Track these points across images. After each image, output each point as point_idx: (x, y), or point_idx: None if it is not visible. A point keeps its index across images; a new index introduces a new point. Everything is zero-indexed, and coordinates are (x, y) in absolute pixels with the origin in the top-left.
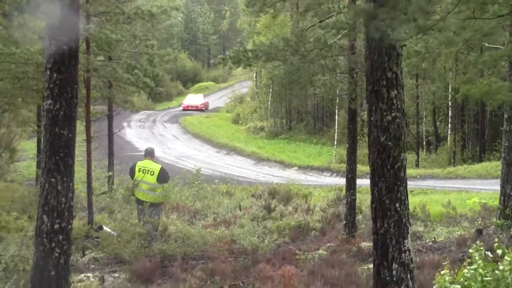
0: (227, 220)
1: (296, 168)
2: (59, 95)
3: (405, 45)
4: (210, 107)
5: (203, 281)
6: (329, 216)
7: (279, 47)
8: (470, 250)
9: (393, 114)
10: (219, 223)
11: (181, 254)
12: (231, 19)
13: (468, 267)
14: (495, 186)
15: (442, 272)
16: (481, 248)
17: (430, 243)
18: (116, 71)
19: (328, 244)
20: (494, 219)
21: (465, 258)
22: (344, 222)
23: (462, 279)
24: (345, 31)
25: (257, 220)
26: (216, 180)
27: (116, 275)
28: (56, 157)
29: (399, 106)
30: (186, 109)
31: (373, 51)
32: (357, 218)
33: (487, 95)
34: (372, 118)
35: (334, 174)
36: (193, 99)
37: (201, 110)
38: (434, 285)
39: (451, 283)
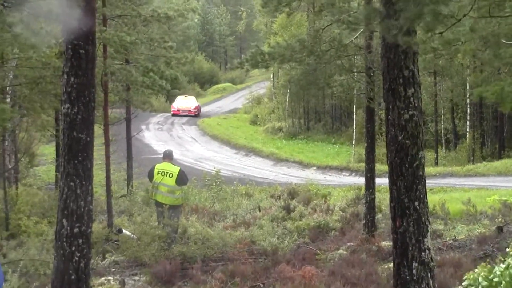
0: (246, 221)
1: (315, 168)
2: (77, 99)
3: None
4: (227, 108)
5: (223, 282)
6: (348, 216)
7: (295, 48)
8: (508, 249)
9: (410, 112)
10: (239, 225)
11: (201, 256)
12: (247, 20)
13: (500, 265)
14: None
15: (476, 270)
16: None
17: (451, 241)
18: (132, 74)
19: (348, 243)
20: None
21: (487, 256)
22: (364, 221)
23: (492, 276)
24: (361, 29)
25: (276, 221)
26: (235, 182)
27: (137, 278)
28: (75, 161)
29: (416, 104)
30: (176, 113)
31: (389, 49)
32: (376, 217)
33: (500, 98)
34: (389, 116)
35: (353, 174)
36: (184, 102)
37: (194, 115)
38: (463, 281)
39: (481, 279)
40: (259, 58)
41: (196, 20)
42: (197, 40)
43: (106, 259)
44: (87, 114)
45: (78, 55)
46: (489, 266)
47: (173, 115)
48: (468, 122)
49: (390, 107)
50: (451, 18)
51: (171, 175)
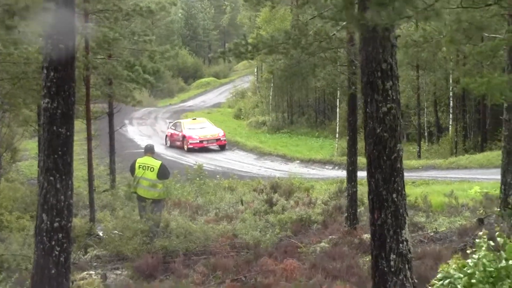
0: (229, 215)
1: (298, 161)
2: (57, 93)
3: (399, 36)
4: (211, 103)
5: (205, 276)
6: (330, 209)
7: (280, 40)
8: (476, 240)
9: (388, 105)
10: (221, 218)
11: (183, 250)
12: (231, 14)
13: (473, 256)
14: (496, 175)
15: (449, 262)
16: (485, 237)
17: (432, 234)
18: (116, 69)
19: (330, 236)
20: (496, 208)
21: (467, 247)
22: (346, 214)
23: (465, 268)
24: (344, 22)
25: (259, 215)
26: (218, 175)
27: (119, 272)
28: (55, 155)
29: (394, 97)
30: (199, 146)
31: (367, 42)
32: (358, 210)
33: (487, 91)
34: (367, 109)
35: (336, 167)
36: (201, 128)
37: (222, 145)
38: (437, 274)
39: (454, 271)
40: (242, 48)
41: (180, 14)
42: (181, 35)
43: (88, 254)
44: (67, 109)
45: (57, 49)
46: (461, 259)
47: (192, 150)
48: (451, 115)
49: (369, 100)
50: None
51: (152, 169)
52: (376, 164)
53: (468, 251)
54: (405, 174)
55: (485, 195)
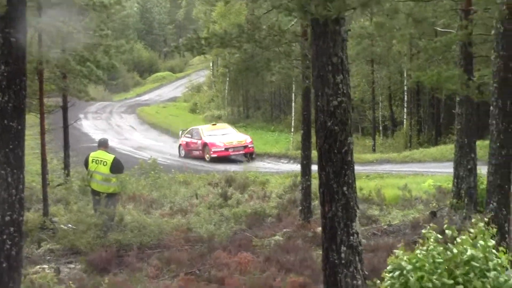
0: (183, 209)
1: (253, 155)
2: (8, 87)
3: (349, 30)
4: (167, 97)
5: (159, 269)
6: (285, 203)
7: (234, 34)
8: (423, 231)
9: (339, 99)
10: (176, 212)
11: (137, 244)
12: (187, 8)
13: (421, 248)
14: (449, 168)
15: (396, 253)
16: (432, 230)
17: (385, 227)
18: (69, 63)
19: (284, 230)
20: (448, 201)
21: (419, 240)
22: (300, 208)
23: (415, 260)
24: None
25: (213, 208)
26: (172, 170)
27: (72, 266)
28: (6, 149)
29: (345, 91)
30: (223, 155)
31: (318, 36)
32: (313, 203)
33: (438, 83)
34: (318, 103)
35: (292, 161)
36: (224, 135)
37: (250, 152)
38: (388, 266)
39: (405, 263)
40: (195, 43)
41: (135, 8)
42: (136, 29)
43: (42, 248)
44: (18, 102)
45: (9, 43)
46: (407, 250)
47: (216, 159)
48: (405, 109)
49: (319, 93)
50: None
51: (105, 163)
52: (327, 158)
53: (418, 244)
54: (360, 167)
55: (438, 188)
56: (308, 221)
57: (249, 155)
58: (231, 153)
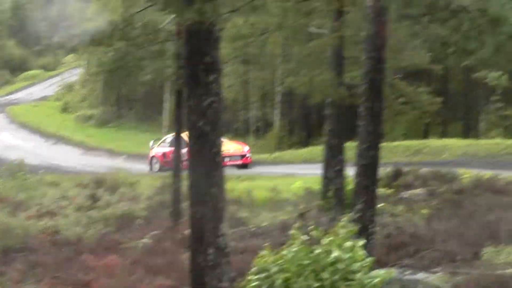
0: (51, 211)
1: (125, 156)
2: None
3: (222, 29)
4: (38, 96)
5: (24, 273)
6: (155, 204)
7: (106, 32)
8: (292, 232)
9: (210, 99)
10: (44, 214)
11: (1, 247)
12: (62, 5)
13: (287, 249)
14: (319, 170)
15: (262, 254)
16: (300, 230)
17: (254, 229)
18: None
19: (153, 232)
20: (316, 202)
21: (286, 241)
22: (170, 209)
23: (281, 261)
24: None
25: (82, 210)
26: (40, 171)
27: None
28: None
29: (217, 91)
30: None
31: (191, 35)
32: (182, 205)
33: (309, 90)
34: (190, 103)
35: None
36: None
37: (247, 163)
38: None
39: (270, 264)
40: (67, 41)
41: (6, 5)
42: (7, 25)
43: None
44: None
45: None
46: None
47: None
48: (277, 110)
49: (191, 93)
50: None
51: None
52: (197, 158)
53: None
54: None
55: (306, 190)
56: (178, 223)
57: (244, 166)
58: (227, 163)
